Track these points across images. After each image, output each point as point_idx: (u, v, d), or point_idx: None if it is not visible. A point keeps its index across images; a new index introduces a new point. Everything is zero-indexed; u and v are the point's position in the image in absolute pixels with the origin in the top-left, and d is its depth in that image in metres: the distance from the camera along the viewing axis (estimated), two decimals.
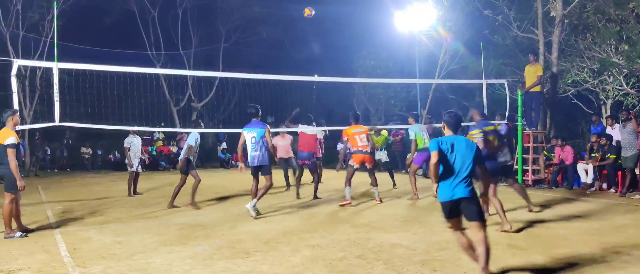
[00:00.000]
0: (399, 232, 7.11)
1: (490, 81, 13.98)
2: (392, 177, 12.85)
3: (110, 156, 21.93)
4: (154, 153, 20.93)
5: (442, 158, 4.72)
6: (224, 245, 6.40)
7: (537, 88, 13.09)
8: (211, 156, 23.91)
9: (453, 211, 4.77)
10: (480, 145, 6.65)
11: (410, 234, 6.93)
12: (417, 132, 10.40)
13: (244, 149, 8.82)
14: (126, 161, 11.80)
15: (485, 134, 7.26)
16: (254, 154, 8.45)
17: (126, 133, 11.88)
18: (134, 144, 11.78)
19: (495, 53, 17.64)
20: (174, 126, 23.63)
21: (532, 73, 13.13)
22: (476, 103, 8.19)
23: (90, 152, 21.80)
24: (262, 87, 16.49)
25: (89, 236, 7.11)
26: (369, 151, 9.65)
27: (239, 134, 10.05)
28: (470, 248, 4.75)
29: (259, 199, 8.44)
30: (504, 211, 7.05)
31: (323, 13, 25.69)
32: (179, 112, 24.48)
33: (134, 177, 11.87)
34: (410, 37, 20.21)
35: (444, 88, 21.70)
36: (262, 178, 8.59)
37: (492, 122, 8.15)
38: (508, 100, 13.20)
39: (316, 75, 19.39)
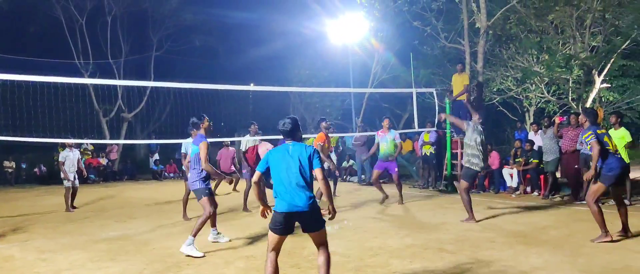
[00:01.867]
0: (334, 240, 7.17)
1: (420, 90, 14.39)
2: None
3: (36, 169, 20.96)
4: (83, 165, 20.16)
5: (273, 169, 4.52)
6: (154, 259, 6.25)
7: (464, 97, 13.58)
8: (143, 167, 23.31)
9: (289, 222, 4.44)
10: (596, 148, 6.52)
11: (345, 242, 7.02)
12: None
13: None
14: (61, 176, 11.32)
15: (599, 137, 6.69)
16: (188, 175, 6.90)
17: (53, 146, 11.38)
18: (69, 158, 11.32)
19: (424, 63, 18.16)
20: (103, 137, 22.85)
21: (459, 82, 13.60)
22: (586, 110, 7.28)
23: (14, 166, 20.72)
24: (196, 97, 16.24)
25: (11, 254, 6.77)
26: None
27: (173, 145, 9.88)
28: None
29: (194, 234, 6.43)
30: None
31: (257, 21, 25.79)
32: (108, 122, 23.71)
33: (73, 192, 11.43)
34: (344, 47, 20.54)
35: (377, 97, 22.19)
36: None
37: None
38: (437, 108, 13.62)
39: (252, 84, 19.39)
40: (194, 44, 25.34)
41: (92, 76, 22.02)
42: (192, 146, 6.89)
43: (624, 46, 14.40)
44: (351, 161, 17.69)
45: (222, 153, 14.48)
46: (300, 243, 6.93)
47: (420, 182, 14.53)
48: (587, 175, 6.78)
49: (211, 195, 6.81)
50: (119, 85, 23.10)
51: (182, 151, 9.54)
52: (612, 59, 14.46)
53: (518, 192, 12.21)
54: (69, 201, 11.26)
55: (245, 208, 10.16)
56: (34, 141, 9.98)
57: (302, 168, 4.44)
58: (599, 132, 6.67)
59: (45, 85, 10.79)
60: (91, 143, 20.90)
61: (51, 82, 10.06)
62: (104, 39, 23.16)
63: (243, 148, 10.33)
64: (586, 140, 6.74)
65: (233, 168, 13.55)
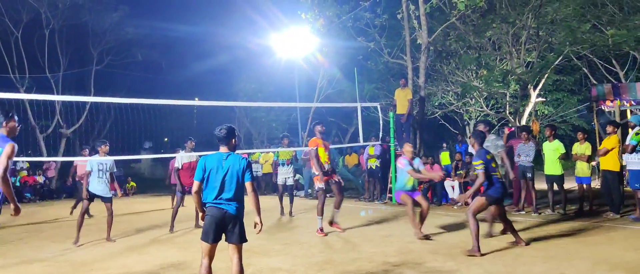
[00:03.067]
0: (279, 256, 7.14)
1: (364, 104, 14.57)
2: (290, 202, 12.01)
3: None
4: (18, 184, 19.31)
5: (208, 177, 4.73)
6: None
7: (406, 110, 13.88)
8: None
9: (218, 230, 4.69)
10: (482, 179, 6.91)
11: (291, 257, 6.99)
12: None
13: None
14: None
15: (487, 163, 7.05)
16: None
17: None
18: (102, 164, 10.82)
19: (369, 78, 18.46)
20: (40, 154, 21.96)
21: (402, 97, 13.88)
22: (475, 132, 7.44)
23: None
24: (139, 112, 15.86)
25: None
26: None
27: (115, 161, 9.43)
28: None
29: None
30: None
31: (201, 35, 25.57)
32: (45, 139, 22.81)
33: None
34: (290, 61, 20.62)
35: (324, 111, 22.31)
36: None
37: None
38: (381, 122, 13.84)
39: (196, 99, 19.16)
40: (136, 57, 24.76)
41: (28, 91, 21.17)
42: None
43: (557, 62, 15.11)
44: (298, 176, 17.67)
45: (172, 164, 14.13)
46: (245, 260, 6.85)
47: (366, 195, 14.68)
48: (461, 197, 7.61)
49: None
50: (57, 100, 22.28)
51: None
52: (546, 74, 15.12)
53: (460, 204, 12.50)
54: None
55: (171, 229, 9.68)
56: None
57: (235, 182, 4.71)
58: (488, 157, 7.07)
59: None
60: (27, 161, 20.06)
61: None
62: (41, 52, 22.33)
63: (178, 165, 9.90)
64: (476, 169, 7.09)
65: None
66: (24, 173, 20.11)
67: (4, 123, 5.18)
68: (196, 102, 17.39)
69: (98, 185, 8.74)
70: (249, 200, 4.76)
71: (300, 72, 20.98)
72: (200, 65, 26.23)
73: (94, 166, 8.79)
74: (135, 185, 21.66)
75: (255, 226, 4.77)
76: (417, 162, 8.70)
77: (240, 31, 23.48)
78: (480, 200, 7.10)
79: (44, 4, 21.20)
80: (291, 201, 11.89)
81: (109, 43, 23.75)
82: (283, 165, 12.01)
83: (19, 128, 5.42)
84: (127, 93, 22.19)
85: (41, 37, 22.14)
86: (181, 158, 9.91)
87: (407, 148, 8.81)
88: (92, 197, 8.79)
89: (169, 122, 26.18)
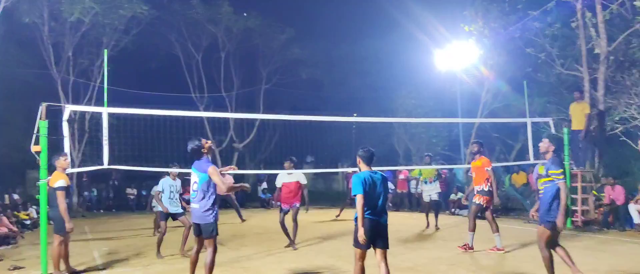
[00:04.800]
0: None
1: (534, 119, 13.61)
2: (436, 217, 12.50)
3: None
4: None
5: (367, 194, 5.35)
6: None
7: (583, 126, 12.85)
8: (251, 195, 23.98)
9: (373, 238, 5.28)
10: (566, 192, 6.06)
11: None
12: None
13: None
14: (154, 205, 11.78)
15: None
16: (193, 206, 6.41)
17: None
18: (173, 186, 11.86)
19: (539, 91, 17.35)
20: (217, 167, 23.90)
21: (578, 111, 12.87)
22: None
23: (136, 193, 22.20)
24: (302, 128, 16.60)
25: None
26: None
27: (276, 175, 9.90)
28: None
29: None
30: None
31: (363, 52, 26.03)
32: (221, 153, 24.84)
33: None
34: (452, 75, 20.16)
35: (487, 126, 21.35)
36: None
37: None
38: (554, 139, 12.88)
39: (355, 115, 19.53)
40: (300, 76, 25.99)
41: (206, 109, 23.30)
42: (198, 174, 6.32)
43: None
44: (460, 194, 17.13)
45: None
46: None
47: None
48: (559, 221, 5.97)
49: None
50: (231, 117, 24.21)
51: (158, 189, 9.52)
52: None
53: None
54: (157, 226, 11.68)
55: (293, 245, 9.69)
56: (149, 170, 10.64)
57: (384, 195, 5.46)
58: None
59: (166, 117, 11.49)
60: None
61: (170, 115, 10.68)
62: (218, 73, 24.49)
63: (278, 184, 9.93)
64: (557, 178, 5.99)
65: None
66: None
67: (201, 148, 6.44)
68: (355, 118, 17.80)
69: (170, 205, 9.34)
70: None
71: (462, 86, 20.40)
72: (360, 81, 26.63)
73: (166, 188, 9.44)
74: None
75: None
76: None
77: (400, 46, 23.49)
78: (549, 231, 6.02)
79: (221, 29, 23.29)
80: (436, 216, 12.43)
81: (277, 63, 25.31)
82: (426, 182, 12.55)
83: (212, 146, 6.62)
84: (292, 110, 23.31)
85: (218, 59, 24.32)
86: (281, 178, 9.85)
87: None
88: (166, 216, 9.38)
89: (329, 137, 26.97)
